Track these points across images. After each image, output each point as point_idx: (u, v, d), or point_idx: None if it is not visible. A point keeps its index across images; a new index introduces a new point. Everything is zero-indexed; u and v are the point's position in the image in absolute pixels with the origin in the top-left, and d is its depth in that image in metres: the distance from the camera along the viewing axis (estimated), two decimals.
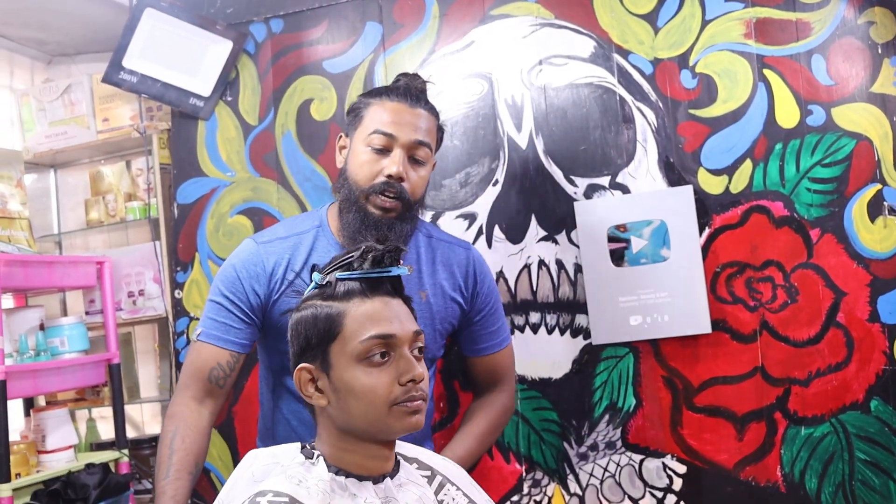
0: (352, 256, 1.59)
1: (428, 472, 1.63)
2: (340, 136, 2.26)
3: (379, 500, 1.51)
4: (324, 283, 1.59)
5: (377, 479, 1.55)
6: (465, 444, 2.27)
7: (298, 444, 1.60)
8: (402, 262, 1.60)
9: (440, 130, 2.24)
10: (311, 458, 1.55)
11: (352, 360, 1.52)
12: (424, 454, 1.69)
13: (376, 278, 1.57)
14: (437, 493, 1.60)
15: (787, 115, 2.54)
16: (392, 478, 1.57)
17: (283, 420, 2.23)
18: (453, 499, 1.58)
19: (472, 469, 2.31)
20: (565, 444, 2.67)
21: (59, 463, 2.97)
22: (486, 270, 2.35)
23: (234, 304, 2.14)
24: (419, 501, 1.55)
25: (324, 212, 2.25)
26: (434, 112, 2.21)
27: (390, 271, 1.57)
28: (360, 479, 1.53)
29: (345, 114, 2.25)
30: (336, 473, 1.53)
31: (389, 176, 2.09)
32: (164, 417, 2.15)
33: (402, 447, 1.68)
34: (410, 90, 2.19)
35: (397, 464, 1.61)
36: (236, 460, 2.92)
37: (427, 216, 2.77)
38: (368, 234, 2.04)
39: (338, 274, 1.58)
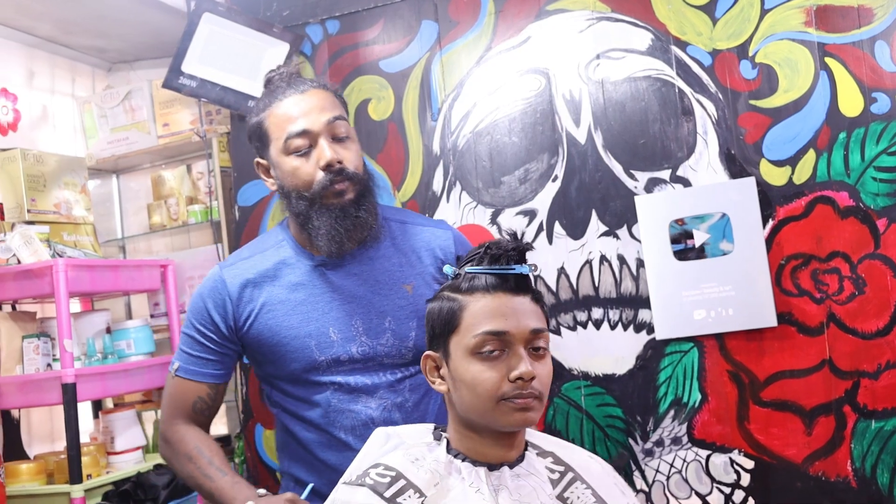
0: (480, 252, 1.62)
1: (561, 469, 1.62)
2: (257, 163, 2.13)
3: (486, 486, 1.54)
4: (454, 275, 1.64)
5: (493, 467, 1.58)
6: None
7: (432, 426, 1.68)
8: (527, 259, 1.61)
9: (340, 97, 2.11)
10: (438, 440, 1.63)
11: (466, 353, 1.56)
12: (565, 450, 1.68)
13: (499, 275, 1.58)
14: (564, 489, 1.59)
15: (851, 104, 2.49)
16: (511, 467, 1.59)
17: (279, 427, 2.20)
18: (578, 497, 1.58)
19: None
20: (630, 441, 2.65)
21: (128, 464, 3.01)
22: (470, 248, 2.13)
23: (206, 335, 2.10)
24: (532, 494, 1.56)
25: (284, 225, 2.15)
26: (325, 85, 2.08)
27: (513, 269, 1.58)
28: (476, 464, 1.58)
29: (247, 139, 2.15)
30: (455, 456, 1.59)
31: (328, 167, 1.99)
32: (169, 445, 2.12)
33: (543, 440, 1.69)
34: (291, 80, 2.09)
35: (523, 454, 1.62)
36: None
37: (487, 213, 2.77)
38: (341, 225, 2.00)
39: (466, 268, 1.62)
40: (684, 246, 2.59)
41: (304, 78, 2.10)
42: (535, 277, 2.71)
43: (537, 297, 1.61)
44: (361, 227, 2.03)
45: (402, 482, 1.55)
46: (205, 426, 2.15)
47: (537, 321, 1.57)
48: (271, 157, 2.07)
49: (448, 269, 1.67)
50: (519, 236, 1.65)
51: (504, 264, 1.59)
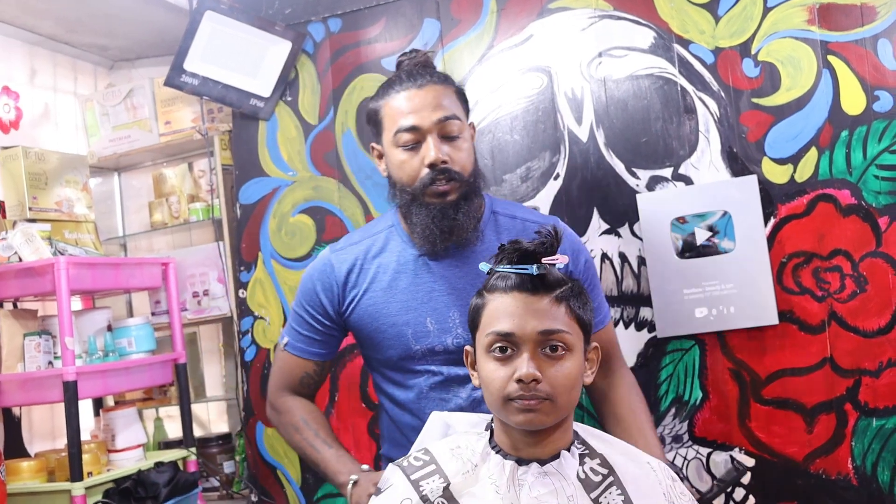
0: (507, 249, 1.63)
1: (605, 472, 1.60)
2: (373, 147, 2.17)
3: (508, 481, 1.57)
4: (486, 272, 1.66)
5: (523, 462, 1.59)
6: (652, 432, 2.14)
7: (490, 416, 1.70)
8: (549, 259, 1.60)
9: (461, 93, 2.10)
10: (487, 431, 1.68)
11: (483, 351, 1.60)
12: (619, 454, 1.65)
13: (517, 273, 1.58)
14: (601, 493, 1.58)
15: (853, 102, 2.50)
16: (542, 464, 1.59)
17: (385, 418, 2.24)
18: (609, 502, 1.57)
19: None
20: None
21: (128, 462, 3.01)
22: (577, 245, 2.18)
23: (314, 317, 2.17)
24: (551, 494, 1.55)
25: (396, 211, 2.17)
26: (446, 80, 2.08)
27: (526, 269, 1.57)
28: (507, 457, 1.60)
29: (365, 120, 2.19)
30: (493, 448, 1.63)
31: (432, 165, 2.00)
32: (277, 413, 2.22)
33: (602, 441, 1.68)
34: (412, 71, 2.08)
35: (560, 453, 1.61)
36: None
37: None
38: (436, 226, 2.02)
39: (489, 267, 1.65)
40: (686, 244, 2.59)
41: (427, 70, 2.10)
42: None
43: (562, 297, 1.58)
44: (458, 229, 2.04)
45: (431, 467, 1.63)
46: (311, 398, 2.25)
47: (551, 322, 1.56)
48: (383, 144, 2.11)
49: (483, 265, 1.67)
50: (552, 234, 1.62)
51: (519, 263, 1.59)
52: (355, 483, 1.96)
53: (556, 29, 2.76)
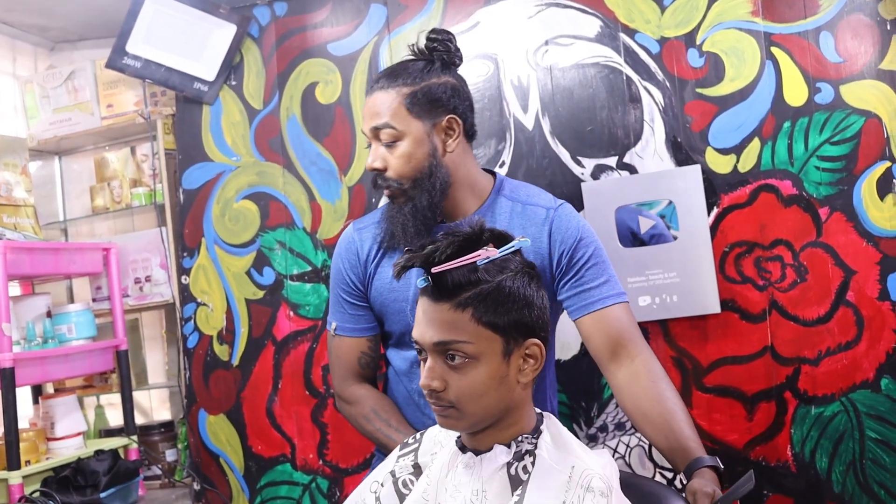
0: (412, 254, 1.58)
1: (526, 476, 1.54)
2: None
3: (443, 465, 1.61)
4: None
5: (465, 450, 1.60)
6: (690, 427, 1.98)
7: None
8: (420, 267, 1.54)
9: (418, 94, 2.08)
10: None
11: None
12: (559, 461, 1.55)
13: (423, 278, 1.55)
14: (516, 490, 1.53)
15: (796, 93, 2.52)
16: (477, 454, 1.58)
17: (388, 386, 2.30)
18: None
19: None
20: (574, 426, 2.66)
21: (68, 450, 2.97)
22: (573, 225, 2.13)
23: (350, 293, 2.22)
24: (468, 485, 1.55)
25: None
26: (397, 83, 2.09)
27: (420, 275, 1.54)
28: (457, 441, 1.62)
29: None
30: (457, 438, 1.63)
31: (372, 170, 2.11)
32: (347, 405, 2.24)
33: (564, 449, 1.58)
34: (379, 75, 2.15)
35: (496, 447, 1.58)
36: (245, 445, 2.93)
37: None
38: (386, 222, 2.15)
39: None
40: (629, 233, 2.60)
41: (384, 75, 2.12)
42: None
43: (465, 303, 1.51)
44: (404, 230, 2.09)
45: (414, 445, 1.71)
46: (372, 380, 2.29)
47: (447, 332, 1.50)
48: None
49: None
50: (464, 237, 1.55)
51: (418, 266, 1.53)
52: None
53: (502, 16, 2.76)
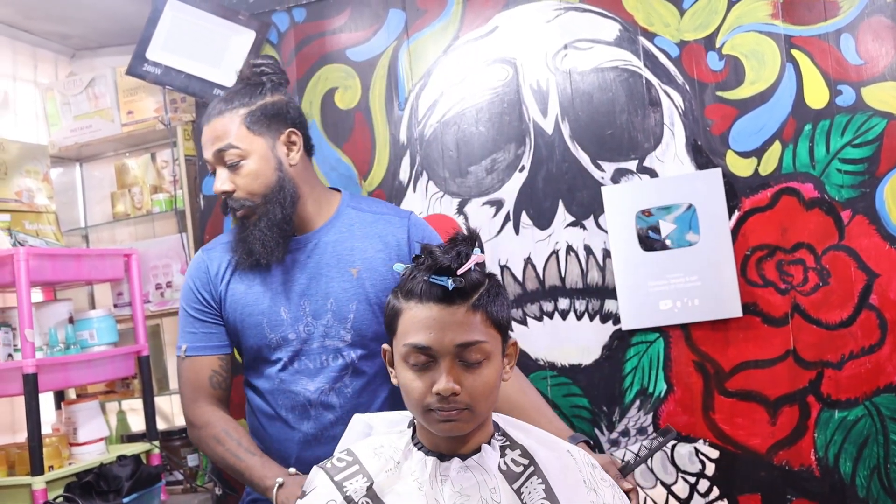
0: (422, 260, 1.61)
1: (525, 462, 1.62)
2: None
3: (431, 477, 1.58)
4: (402, 273, 1.64)
5: (445, 458, 1.60)
6: (556, 417, 2.21)
7: (411, 415, 1.69)
8: (467, 271, 1.57)
9: (252, 114, 2.17)
10: (410, 428, 1.68)
11: (400, 359, 1.59)
12: (539, 443, 1.67)
13: (433, 283, 1.56)
14: (522, 484, 1.59)
15: (816, 96, 2.51)
16: (463, 459, 1.60)
17: (247, 407, 2.33)
18: (530, 493, 1.58)
19: None
20: (596, 431, 2.66)
21: (90, 455, 2.98)
22: (428, 229, 2.31)
23: (202, 311, 2.26)
24: (474, 488, 1.57)
25: None
26: (233, 106, 2.17)
27: (442, 281, 1.55)
28: (428, 454, 1.61)
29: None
30: (415, 444, 1.63)
31: (221, 193, 2.17)
32: (195, 428, 2.25)
33: (523, 431, 1.70)
34: (212, 105, 2.22)
35: (481, 447, 1.62)
36: None
37: (454, 203, 2.77)
38: (240, 243, 2.20)
39: (405, 267, 1.64)
40: (650, 237, 2.60)
41: (221, 101, 2.20)
42: (502, 268, 2.71)
43: (479, 305, 1.56)
44: (260, 246, 2.16)
45: (355, 467, 1.63)
46: (224, 402, 2.29)
47: (468, 333, 1.54)
48: None
49: (398, 266, 1.67)
50: (467, 239, 1.61)
51: (434, 275, 1.56)
52: (281, 486, 2.02)
53: (521, 21, 2.76)
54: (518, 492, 1.57)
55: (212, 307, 2.26)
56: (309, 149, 2.29)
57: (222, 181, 2.15)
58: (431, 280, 1.55)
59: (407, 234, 2.25)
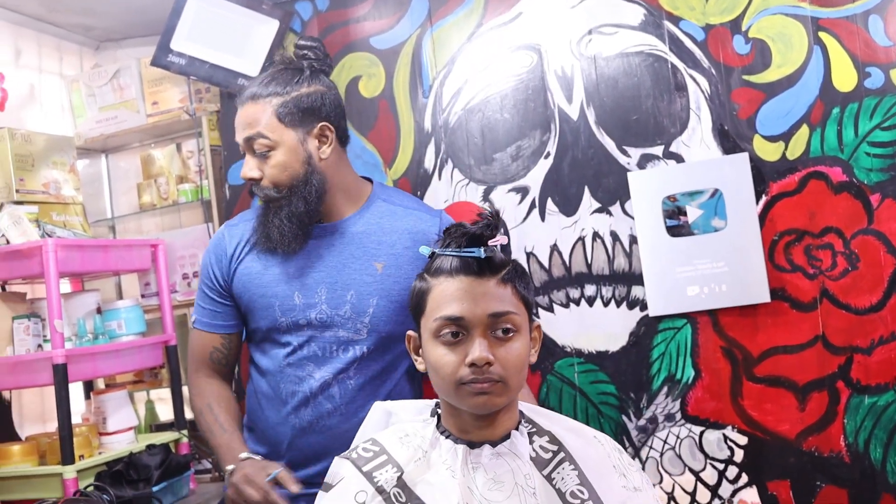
0: (452, 233, 1.62)
1: (554, 448, 1.62)
2: None
3: (462, 465, 1.56)
4: (429, 256, 1.65)
5: (474, 445, 1.59)
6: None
7: (433, 402, 1.71)
8: (496, 245, 1.59)
9: (285, 105, 2.17)
10: (433, 416, 1.67)
11: (430, 336, 1.59)
12: (566, 430, 1.67)
13: (461, 257, 1.57)
14: (553, 470, 1.59)
15: (844, 79, 2.48)
16: (494, 446, 1.59)
17: (250, 386, 2.34)
18: (563, 479, 1.58)
19: None
20: (624, 417, 2.65)
21: (120, 444, 3.00)
22: None
23: (212, 289, 2.29)
24: (508, 474, 1.56)
25: None
26: (268, 94, 2.18)
27: (472, 252, 1.56)
28: (457, 441, 1.60)
29: None
30: (441, 433, 1.62)
31: (247, 180, 2.19)
32: (192, 397, 2.33)
33: (547, 418, 1.69)
34: (242, 92, 2.23)
35: (510, 433, 1.62)
36: None
37: (479, 190, 2.76)
38: (261, 226, 2.21)
39: (431, 249, 1.65)
40: (677, 222, 2.58)
41: (248, 90, 2.21)
42: (528, 255, 2.70)
43: (507, 279, 1.58)
44: (280, 234, 2.17)
45: (383, 457, 1.60)
46: (226, 375, 2.35)
47: (500, 304, 1.56)
48: None
49: (424, 249, 1.67)
50: (494, 215, 1.63)
51: (465, 246, 1.58)
52: (231, 472, 2.07)
53: (545, 6, 2.74)
54: (549, 478, 1.57)
55: (220, 286, 2.27)
56: (344, 140, 2.28)
57: (250, 168, 2.17)
58: (462, 253, 1.56)
59: (438, 232, 2.20)
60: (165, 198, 3.61)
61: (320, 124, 2.19)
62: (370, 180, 2.34)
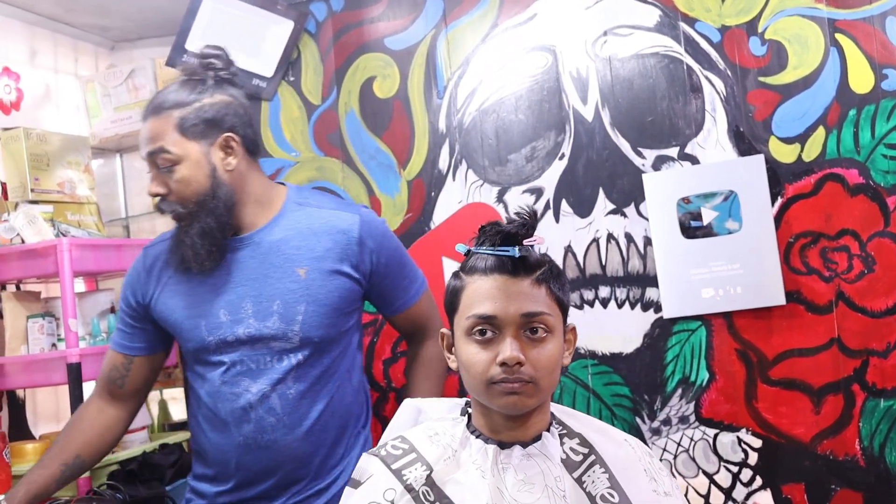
0: (487, 231, 1.62)
1: (585, 451, 1.62)
2: None
3: (492, 465, 1.55)
4: (465, 253, 1.64)
5: (505, 445, 1.58)
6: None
7: (463, 401, 1.71)
8: (532, 243, 1.59)
9: (186, 119, 2.11)
10: (464, 416, 1.67)
11: (463, 334, 1.58)
12: (596, 432, 1.67)
13: (496, 255, 1.57)
14: (583, 472, 1.58)
15: (861, 80, 2.47)
16: (524, 447, 1.58)
17: (189, 411, 2.32)
18: (593, 481, 1.57)
19: None
20: (637, 420, 2.64)
21: (133, 444, 3.01)
22: (380, 231, 2.26)
23: (127, 312, 2.28)
24: (538, 476, 1.56)
25: None
26: (169, 107, 2.11)
27: (506, 251, 1.56)
28: (488, 441, 1.59)
29: None
30: (472, 433, 1.62)
31: (153, 195, 2.14)
32: None
33: (577, 420, 1.69)
34: (151, 102, 2.17)
35: (541, 435, 1.61)
36: None
37: (493, 191, 2.76)
38: (174, 243, 2.17)
39: (467, 248, 1.64)
40: (692, 224, 2.57)
41: (150, 106, 2.15)
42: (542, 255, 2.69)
43: (542, 279, 1.58)
44: (192, 252, 2.12)
45: (412, 455, 1.60)
46: (122, 398, 2.32)
47: (533, 304, 1.55)
48: None
49: (460, 247, 1.66)
50: (531, 215, 1.61)
51: (500, 245, 1.57)
52: None
53: (560, 7, 2.74)
54: (579, 480, 1.56)
55: (134, 308, 2.25)
56: (253, 149, 2.23)
57: (156, 184, 2.12)
58: (497, 252, 1.56)
59: (358, 231, 2.20)
60: None
61: (224, 135, 2.13)
62: (284, 185, 2.30)
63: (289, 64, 3.03)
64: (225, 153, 2.14)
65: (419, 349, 2.40)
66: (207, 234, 2.11)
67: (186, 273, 2.17)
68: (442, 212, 2.83)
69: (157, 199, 2.13)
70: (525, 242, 1.58)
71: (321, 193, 2.35)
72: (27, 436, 3.09)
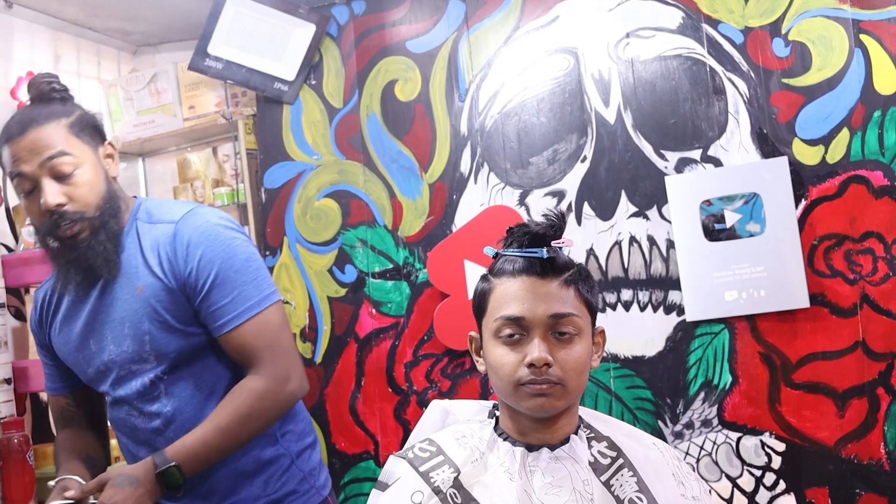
0: (515, 233, 1.61)
1: (613, 454, 1.60)
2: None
3: (519, 468, 1.54)
4: (494, 256, 1.63)
5: (532, 448, 1.57)
6: (198, 435, 1.94)
7: (490, 403, 1.70)
8: (560, 244, 1.58)
9: (82, 121, 2.01)
10: (491, 418, 1.65)
11: (491, 336, 1.56)
12: (624, 435, 1.66)
13: (524, 257, 1.56)
14: (612, 476, 1.57)
15: (886, 81, 2.46)
16: (552, 450, 1.57)
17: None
18: (621, 485, 1.56)
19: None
20: (660, 423, 2.63)
21: None
22: (195, 241, 2.01)
23: (40, 353, 2.20)
24: (566, 479, 1.54)
25: None
26: (51, 117, 1.97)
27: (535, 252, 1.55)
28: (515, 444, 1.58)
29: None
30: (499, 435, 1.60)
31: (49, 213, 1.93)
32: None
33: (605, 423, 1.68)
34: (15, 121, 1.98)
35: (569, 437, 1.60)
36: (328, 441, 2.95)
37: (515, 194, 2.75)
38: (72, 265, 2.00)
39: (496, 250, 1.63)
40: (715, 227, 2.56)
41: (33, 113, 1.98)
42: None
43: (571, 280, 1.56)
44: (94, 265, 2.00)
45: (439, 458, 1.59)
46: (88, 423, 2.22)
47: (561, 305, 1.53)
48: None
49: (488, 249, 1.65)
50: (559, 216, 1.61)
51: (528, 246, 1.57)
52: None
53: (582, 10, 2.74)
54: (607, 484, 1.55)
55: (46, 350, 2.17)
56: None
57: (55, 194, 1.92)
58: (525, 253, 1.55)
59: (174, 240, 2.02)
60: (201, 201, 3.63)
61: (106, 142, 2.07)
62: (135, 198, 2.16)
63: (310, 67, 3.04)
64: (110, 160, 2.07)
65: (246, 378, 2.02)
66: (115, 236, 2.01)
67: (66, 307, 2.09)
68: (464, 215, 2.83)
69: (53, 216, 1.94)
70: (553, 244, 1.57)
71: (163, 203, 2.14)
72: (50, 438, 3.10)
